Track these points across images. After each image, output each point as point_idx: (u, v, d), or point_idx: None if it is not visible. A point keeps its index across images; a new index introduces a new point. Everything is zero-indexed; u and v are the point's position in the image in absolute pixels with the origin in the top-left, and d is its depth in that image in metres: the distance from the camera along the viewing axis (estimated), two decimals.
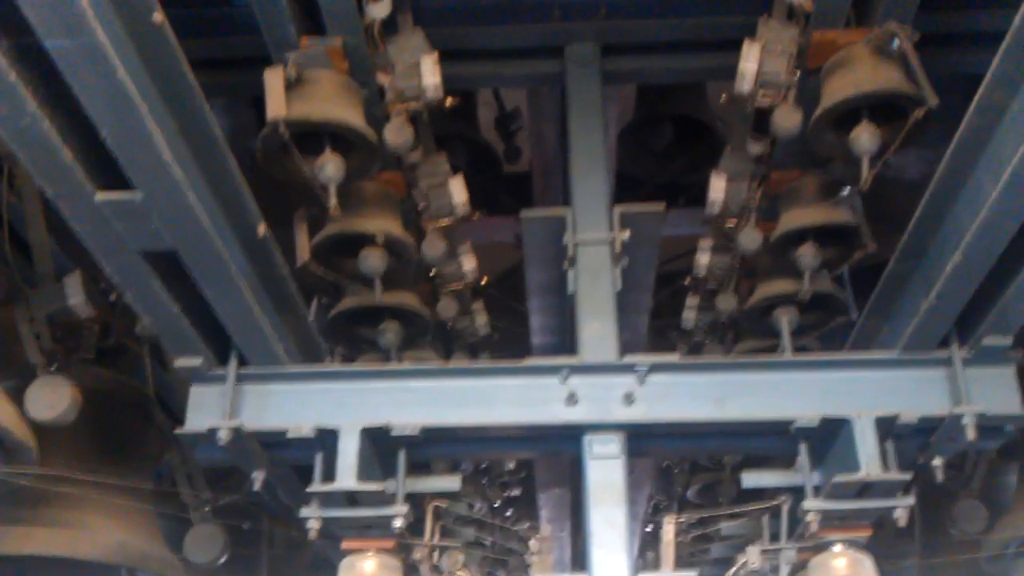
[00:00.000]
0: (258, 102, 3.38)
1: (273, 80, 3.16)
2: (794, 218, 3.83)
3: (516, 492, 7.17)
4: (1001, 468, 5.76)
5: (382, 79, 3.49)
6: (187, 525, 5.38)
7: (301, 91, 3.22)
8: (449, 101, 3.52)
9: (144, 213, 2.77)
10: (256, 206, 3.22)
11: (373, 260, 3.75)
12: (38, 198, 3.92)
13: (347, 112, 3.29)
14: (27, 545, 4.17)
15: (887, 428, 3.44)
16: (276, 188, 3.50)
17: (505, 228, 4.89)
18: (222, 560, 5.37)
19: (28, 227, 4.03)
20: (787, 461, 3.78)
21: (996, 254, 3.03)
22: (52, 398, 3.87)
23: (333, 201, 3.31)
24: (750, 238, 3.93)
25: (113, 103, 2.42)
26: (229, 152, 3.00)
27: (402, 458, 3.65)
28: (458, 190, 3.86)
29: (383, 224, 3.77)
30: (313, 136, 3.30)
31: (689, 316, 4.72)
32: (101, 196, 2.69)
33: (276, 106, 3.14)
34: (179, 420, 3.61)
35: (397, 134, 3.48)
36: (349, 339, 4.25)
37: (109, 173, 2.67)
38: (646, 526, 8.13)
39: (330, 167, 3.29)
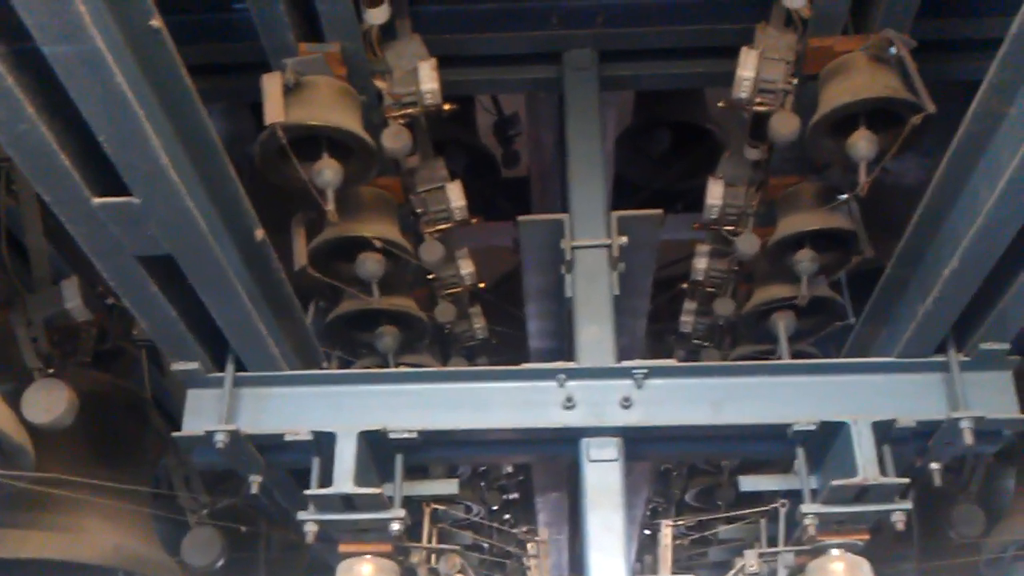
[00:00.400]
0: (256, 108, 3.38)
1: (271, 85, 3.16)
2: (792, 223, 3.84)
3: (514, 496, 7.17)
4: (999, 472, 5.76)
5: (380, 85, 3.49)
6: (184, 528, 5.37)
7: (299, 96, 3.23)
8: (447, 107, 3.53)
9: (141, 218, 2.76)
10: (254, 211, 3.22)
11: (371, 264, 3.76)
12: (36, 202, 3.92)
13: (345, 117, 3.29)
14: (24, 548, 4.16)
15: (885, 432, 3.44)
16: (274, 193, 3.50)
17: (503, 233, 4.89)
18: (220, 563, 5.37)
19: (26, 231, 4.02)
20: (785, 465, 3.79)
21: (993, 260, 3.03)
22: (49, 401, 3.86)
23: (331, 206, 3.32)
24: (748, 243, 3.94)
25: (111, 108, 2.41)
26: (227, 157, 2.99)
27: (399, 462, 3.65)
28: (456, 195, 3.87)
29: (381, 229, 3.77)
30: (311, 141, 3.31)
31: (687, 320, 4.73)
32: (98, 201, 2.69)
33: (274, 111, 3.14)
34: (176, 424, 3.61)
35: (395, 139, 3.49)
36: (347, 343, 4.26)
37: (106, 178, 2.67)
38: (644, 529, 8.14)
39: (328, 172, 3.30)
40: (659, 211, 3.79)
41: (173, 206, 2.75)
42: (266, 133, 3.17)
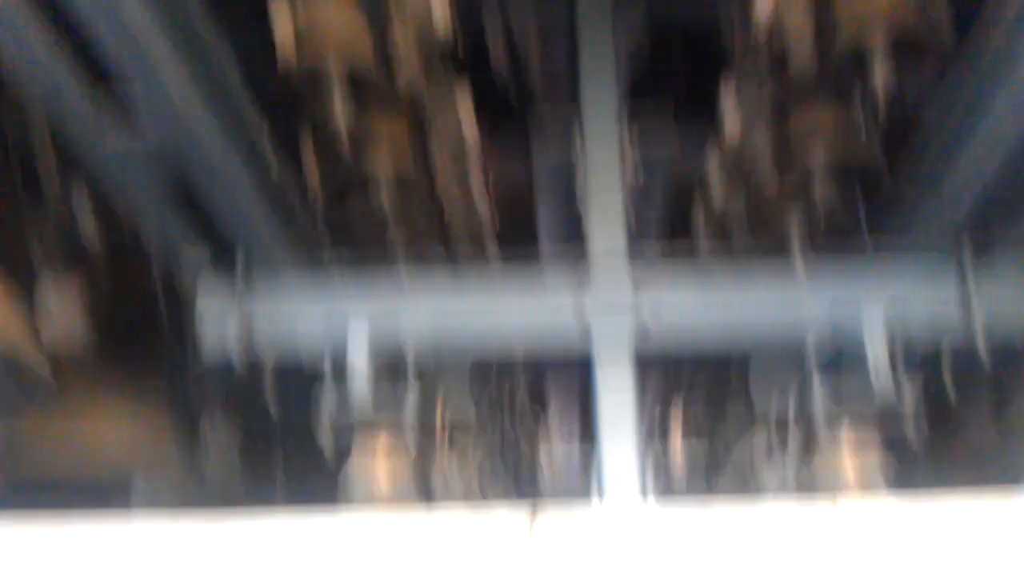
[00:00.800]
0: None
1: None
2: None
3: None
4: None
5: (392, 16, 3.42)
6: (199, 434, 5.42)
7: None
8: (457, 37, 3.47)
9: (136, 112, 2.73)
10: (256, 114, 3.17)
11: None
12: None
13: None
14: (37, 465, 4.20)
15: (897, 330, 3.44)
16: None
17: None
18: (236, 472, 5.42)
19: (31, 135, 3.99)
20: (796, 363, 3.77)
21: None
22: (60, 306, 3.88)
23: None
24: None
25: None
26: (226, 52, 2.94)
27: (411, 359, 3.64)
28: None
29: None
30: None
31: (699, 222, 4.70)
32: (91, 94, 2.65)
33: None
34: (188, 327, 3.62)
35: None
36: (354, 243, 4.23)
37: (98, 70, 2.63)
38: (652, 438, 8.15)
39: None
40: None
41: (167, 98, 2.70)
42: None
